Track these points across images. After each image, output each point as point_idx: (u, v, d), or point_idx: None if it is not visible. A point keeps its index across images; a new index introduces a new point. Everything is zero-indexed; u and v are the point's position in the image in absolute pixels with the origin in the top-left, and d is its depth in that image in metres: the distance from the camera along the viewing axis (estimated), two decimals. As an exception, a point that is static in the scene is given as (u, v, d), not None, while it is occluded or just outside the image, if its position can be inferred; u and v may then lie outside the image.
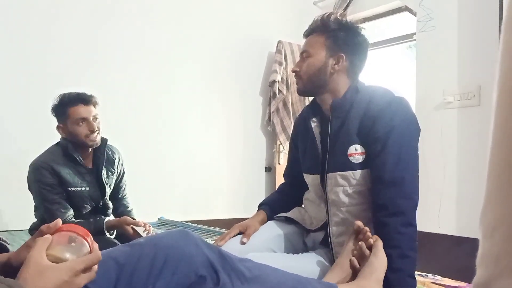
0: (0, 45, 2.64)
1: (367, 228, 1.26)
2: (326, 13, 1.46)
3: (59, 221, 0.76)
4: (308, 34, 1.47)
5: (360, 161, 1.34)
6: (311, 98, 1.56)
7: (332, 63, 1.40)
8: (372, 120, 1.32)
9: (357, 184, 1.35)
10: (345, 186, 1.36)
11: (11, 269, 0.76)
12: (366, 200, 1.35)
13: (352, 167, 1.35)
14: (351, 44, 1.41)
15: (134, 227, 1.94)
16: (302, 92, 1.49)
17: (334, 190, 1.38)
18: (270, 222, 1.53)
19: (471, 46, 2.84)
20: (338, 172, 1.37)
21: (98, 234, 1.86)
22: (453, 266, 1.96)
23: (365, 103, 1.36)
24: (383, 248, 1.21)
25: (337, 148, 1.37)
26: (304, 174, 1.55)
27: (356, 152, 1.34)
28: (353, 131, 1.35)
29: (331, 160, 1.39)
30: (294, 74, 1.49)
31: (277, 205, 1.61)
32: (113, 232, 1.99)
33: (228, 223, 3.27)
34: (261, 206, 1.60)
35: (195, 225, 2.87)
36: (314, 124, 1.46)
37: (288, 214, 1.54)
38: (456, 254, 2.61)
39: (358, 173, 1.34)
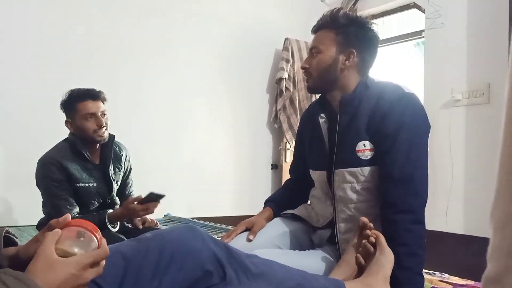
0: (8, 42, 2.66)
1: (371, 225, 1.26)
2: (335, 8, 1.44)
3: (68, 216, 0.77)
4: (316, 29, 1.44)
5: (369, 157, 1.32)
6: (318, 95, 1.55)
7: (342, 59, 1.38)
8: (381, 116, 1.31)
9: (365, 180, 1.33)
10: (353, 182, 1.35)
11: (20, 263, 0.77)
12: (374, 197, 1.34)
13: (361, 163, 1.33)
14: (362, 39, 1.40)
15: (150, 194, 1.85)
16: (312, 90, 1.47)
17: (341, 186, 1.37)
18: (277, 219, 1.53)
19: (480, 43, 2.82)
20: (346, 169, 1.35)
21: (101, 227, 1.85)
22: (460, 264, 1.95)
23: (374, 99, 1.34)
24: (391, 245, 1.21)
25: (346, 144, 1.36)
26: (311, 171, 1.53)
27: (364, 149, 1.33)
28: (362, 127, 1.33)
29: (339, 156, 1.37)
30: (303, 71, 1.46)
31: (283, 201, 1.60)
32: (116, 225, 1.99)
33: (234, 221, 3.27)
34: (267, 203, 1.60)
35: (202, 222, 2.88)
36: (322, 120, 1.44)
37: (295, 211, 1.54)
38: (463, 252, 2.59)
39: (366, 169, 1.33)
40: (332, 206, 1.42)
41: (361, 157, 1.33)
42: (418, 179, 1.27)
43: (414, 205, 1.25)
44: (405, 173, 1.26)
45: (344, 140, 1.36)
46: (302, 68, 1.46)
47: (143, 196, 1.86)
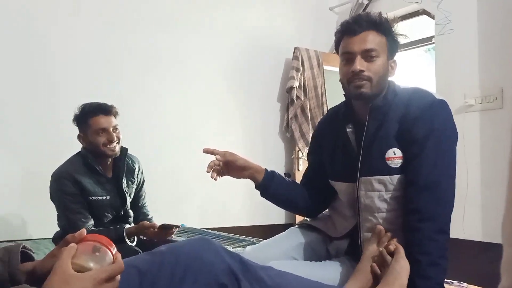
0: (21, 57, 2.71)
1: (389, 234, 1.24)
2: (379, 12, 1.39)
3: (83, 231, 0.77)
4: (365, 28, 1.31)
5: (399, 165, 1.28)
6: (330, 104, 1.53)
7: (390, 68, 1.35)
8: (412, 121, 1.26)
9: (394, 189, 1.29)
10: (381, 191, 1.30)
11: (37, 278, 0.77)
12: (401, 206, 1.29)
13: (390, 171, 1.29)
14: (397, 49, 1.38)
15: (164, 224, 1.93)
16: (367, 98, 1.32)
17: (368, 195, 1.32)
18: (293, 229, 1.52)
19: (491, 48, 2.80)
20: (374, 177, 1.31)
21: (119, 241, 1.87)
22: (479, 272, 1.92)
23: (403, 105, 1.30)
24: (413, 253, 1.19)
25: (373, 151, 1.31)
26: (333, 182, 1.47)
27: (394, 156, 1.28)
28: (392, 134, 1.29)
29: (366, 164, 1.33)
30: (352, 74, 1.30)
31: (281, 179, 1.55)
32: (134, 240, 2.01)
33: (248, 230, 3.26)
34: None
35: (216, 232, 2.88)
36: (349, 130, 1.39)
37: (311, 222, 1.52)
38: (481, 260, 2.55)
39: (395, 178, 1.28)
40: (356, 215, 1.38)
41: (390, 164, 1.29)
42: (445, 187, 1.24)
43: (439, 213, 1.22)
44: (431, 179, 1.22)
45: (372, 147, 1.32)
46: (358, 71, 1.29)
47: (157, 225, 1.94)
